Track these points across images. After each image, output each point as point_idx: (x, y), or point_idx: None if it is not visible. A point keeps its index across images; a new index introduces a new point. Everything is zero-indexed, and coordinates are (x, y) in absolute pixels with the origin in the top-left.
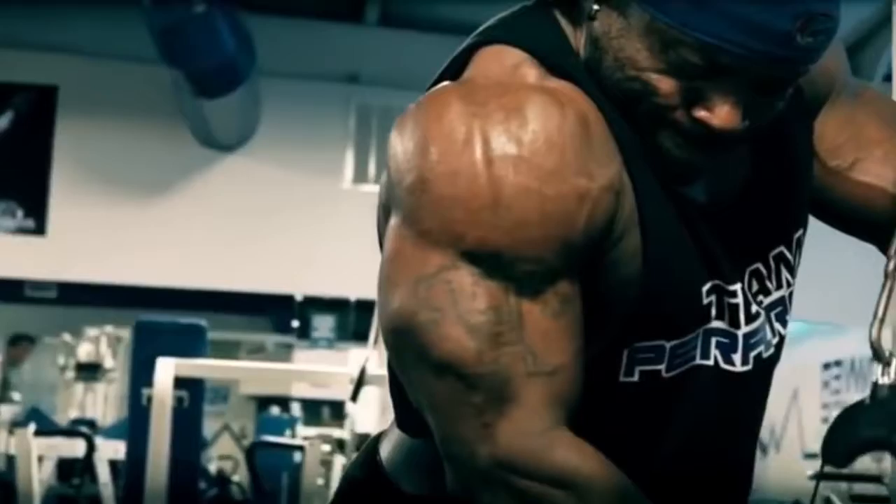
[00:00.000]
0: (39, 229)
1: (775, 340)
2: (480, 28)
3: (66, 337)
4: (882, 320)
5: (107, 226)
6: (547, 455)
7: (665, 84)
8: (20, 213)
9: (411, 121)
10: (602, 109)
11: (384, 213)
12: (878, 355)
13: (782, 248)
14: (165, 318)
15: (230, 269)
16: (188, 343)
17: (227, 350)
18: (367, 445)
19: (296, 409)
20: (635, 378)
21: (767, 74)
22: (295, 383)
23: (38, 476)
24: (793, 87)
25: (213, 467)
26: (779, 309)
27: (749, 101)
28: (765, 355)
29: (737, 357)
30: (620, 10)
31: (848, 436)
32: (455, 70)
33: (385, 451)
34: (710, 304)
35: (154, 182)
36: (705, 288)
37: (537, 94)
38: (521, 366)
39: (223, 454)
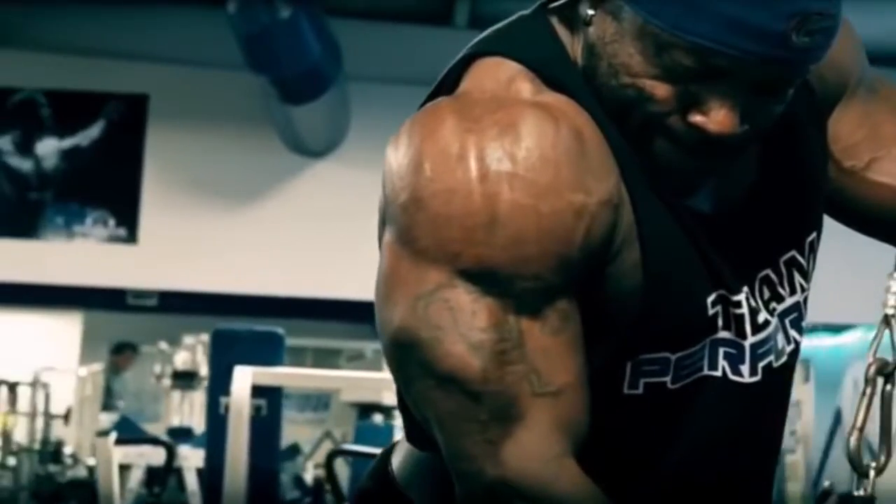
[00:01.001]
0: (131, 238)
1: (790, 348)
2: (478, 38)
3: (163, 345)
4: (861, 429)
5: (198, 233)
6: (553, 485)
7: (659, 89)
8: (112, 222)
9: (405, 136)
10: (599, 121)
11: (382, 228)
12: (855, 467)
13: (794, 253)
14: (244, 326)
15: (327, 275)
16: (266, 351)
17: (328, 357)
18: (381, 456)
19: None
20: (640, 390)
21: (764, 76)
22: (385, 391)
23: (120, 483)
24: (794, 88)
25: (309, 476)
26: (794, 315)
27: (748, 104)
28: (776, 364)
29: (745, 368)
30: (614, 15)
31: None
32: (452, 82)
33: (396, 462)
34: (715, 314)
35: (244, 189)
36: (710, 299)
37: (531, 110)
38: (525, 385)
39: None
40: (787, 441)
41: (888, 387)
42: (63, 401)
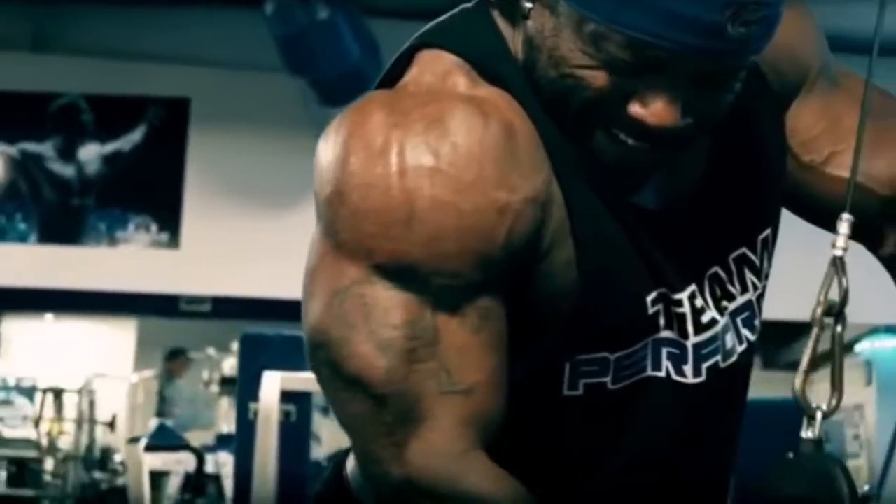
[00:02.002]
0: (173, 243)
1: (742, 347)
2: (422, 29)
3: (211, 351)
4: (807, 371)
5: (241, 237)
6: (459, 480)
7: (598, 80)
8: (154, 228)
9: (334, 130)
10: (535, 116)
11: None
12: (802, 408)
13: (745, 250)
14: (274, 330)
15: None
16: (296, 356)
17: None
18: (336, 461)
19: None
20: (580, 391)
21: (703, 68)
22: None
23: (157, 490)
24: (741, 79)
25: None
26: (746, 314)
27: (690, 96)
28: (723, 365)
29: (688, 368)
30: (552, 9)
31: (773, 491)
32: (396, 74)
33: (350, 466)
34: (656, 313)
35: (288, 192)
36: (650, 298)
37: (461, 105)
38: (433, 383)
39: None
40: (850, 445)
41: (838, 328)
42: (116, 408)
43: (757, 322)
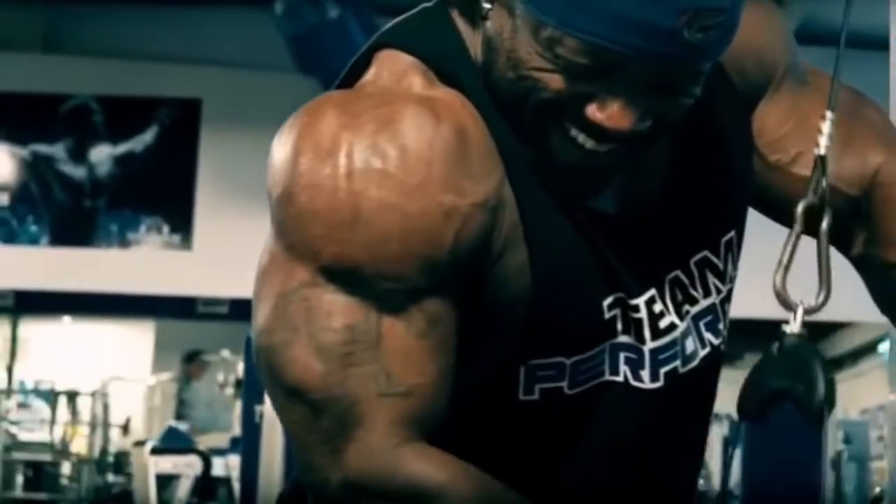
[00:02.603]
0: (185, 244)
1: (704, 352)
2: (382, 29)
3: (226, 353)
4: (787, 267)
5: (253, 238)
6: (397, 472)
7: (556, 84)
8: (166, 229)
9: (287, 129)
10: (490, 119)
11: None
12: (783, 303)
13: (707, 254)
14: None
15: None
16: None
17: None
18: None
19: None
20: (536, 396)
21: (660, 73)
22: None
23: (166, 493)
24: (700, 83)
25: None
26: (708, 318)
27: (647, 101)
28: (682, 370)
29: (645, 374)
30: (510, 10)
31: (758, 388)
32: (355, 74)
33: None
34: (613, 318)
35: None
36: (606, 302)
37: (413, 106)
38: (371, 386)
39: None
40: (874, 447)
41: (823, 225)
42: (133, 411)
43: (721, 326)
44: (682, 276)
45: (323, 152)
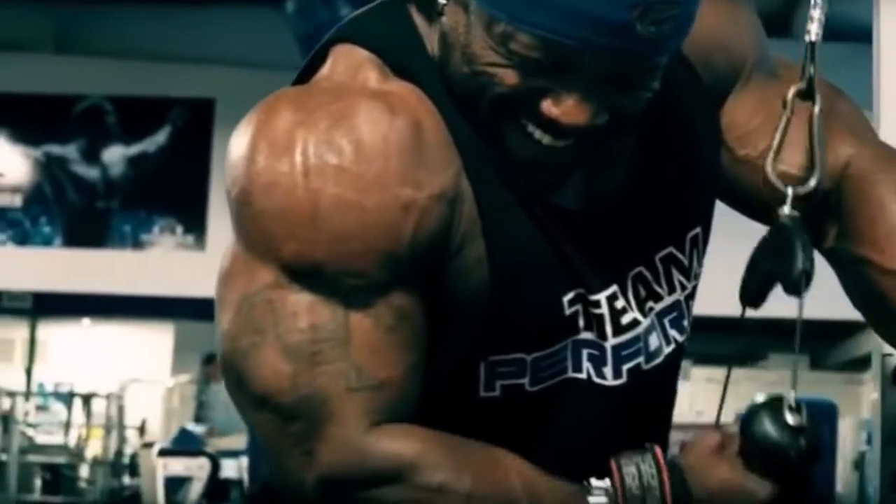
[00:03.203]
0: (199, 245)
1: (669, 348)
2: (339, 23)
3: None
4: (777, 152)
5: None
6: (369, 455)
7: (510, 79)
8: (180, 230)
9: (243, 128)
10: (446, 113)
11: None
12: (773, 188)
13: (672, 250)
14: None
15: None
16: None
17: None
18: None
19: None
20: (497, 393)
21: (614, 67)
22: None
23: (175, 495)
24: (656, 77)
25: None
26: (673, 314)
27: (603, 95)
28: (645, 367)
29: (607, 370)
30: (465, 6)
31: (753, 271)
32: (312, 69)
33: None
34: (574, 314)
35: None
36: (567, 298)
37: (368, 101)
38: (341, 382)
39: None
40: None
41: (816, 108)
42: (153, 413)
43: (686, 322)
44: (647, 273)
45: (279, 150)
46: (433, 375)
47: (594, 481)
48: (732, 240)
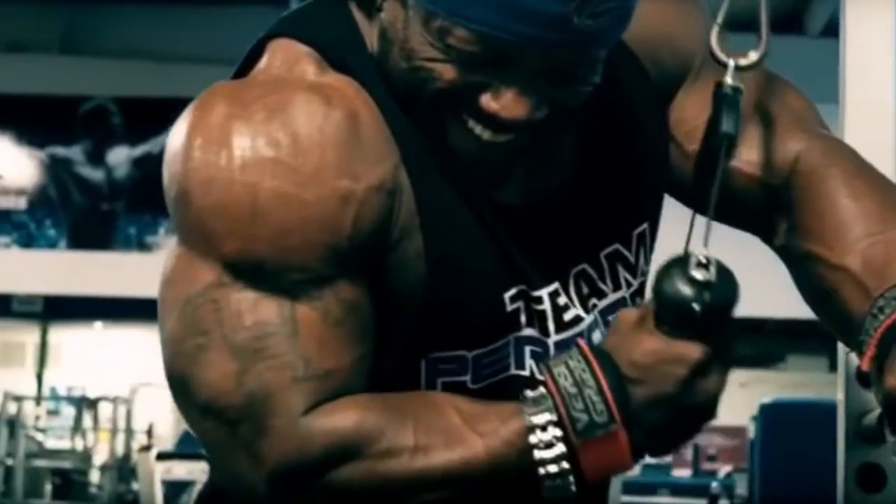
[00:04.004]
0: None
1: None
2: (278, 18)
3: None
4: (721, 25)
5: None
6: (312, 438)
7: (448, 74)
8: None
9: (179, 123)
10: (384, 107)
11: None
12: (716, 59)
13: (618, 246)
14: None
15: None
16: None
17: None
18: None
19: None
20: (438, 390)
21: (551, 60)
22: None
23: (163, 499)
24: (596, 72)
25: None
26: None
27: (542, 89)
28: None
29: None
30: (402, 1)
31: (706, 132)
32: (250, 64)
33: None
34: (516, 310)
35: None
36: (508, 294)
37: (303, 93)
38: (287, 373)
39: None
40: None
41: None
42: (161, 417)
43: None
44: (590, 270)
45: (214, 145)
46: (375, 371)
47: (529, 392)
48: (747, 245)
